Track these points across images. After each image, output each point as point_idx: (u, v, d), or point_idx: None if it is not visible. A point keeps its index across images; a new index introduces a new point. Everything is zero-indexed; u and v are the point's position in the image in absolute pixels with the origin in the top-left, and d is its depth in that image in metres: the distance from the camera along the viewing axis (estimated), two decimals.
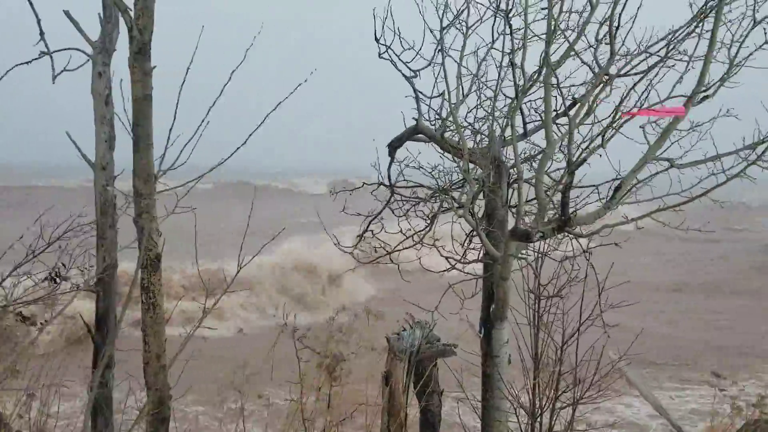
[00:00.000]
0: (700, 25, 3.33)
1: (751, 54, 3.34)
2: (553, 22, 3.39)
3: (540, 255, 3.89)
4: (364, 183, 4.49)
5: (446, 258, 4.19)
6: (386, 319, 5.06)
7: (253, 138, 3.46)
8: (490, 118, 4.18)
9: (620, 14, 3.50)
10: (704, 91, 3.37)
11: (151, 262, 3.18)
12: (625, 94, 3.54)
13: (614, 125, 3.53)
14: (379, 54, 4.21)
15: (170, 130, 3.25)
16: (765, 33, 3.20)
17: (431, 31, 4.13)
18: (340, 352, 3.96)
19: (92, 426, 3.99)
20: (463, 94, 4.41)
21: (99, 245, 4.01)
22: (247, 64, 3.41)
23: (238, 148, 3.44)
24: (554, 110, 4.02)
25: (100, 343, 3.99)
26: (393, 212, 4.58)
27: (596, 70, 3.64)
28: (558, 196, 3.61)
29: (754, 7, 3.26)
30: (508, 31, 3.86)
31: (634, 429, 8.29)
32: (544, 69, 3.66)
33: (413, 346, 3.69)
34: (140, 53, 3.16)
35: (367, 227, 4.49)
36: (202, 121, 3.29)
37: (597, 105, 3.94)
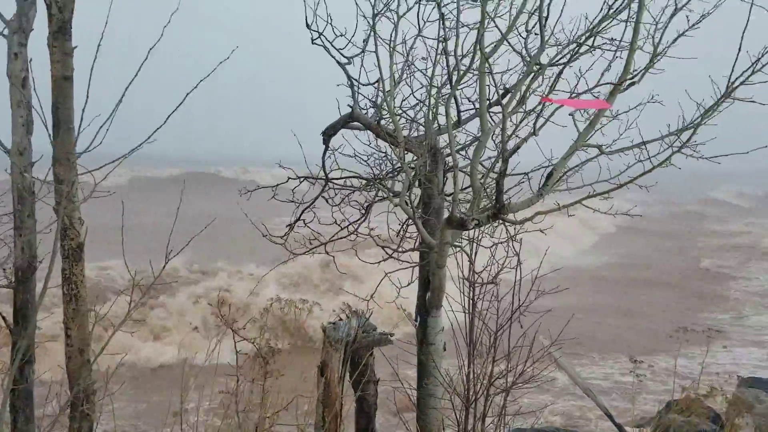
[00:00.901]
0: (626, 12, 3.39)
1: (674, 40, 3.43)
2: (485, 10, 3.41)
3: (473, 242, 3.92)
4: (293, 177, 4.39)
5: (382, 247, 4.17)
6: (325, 310, 5.01)
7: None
8: (424, 106, 4.17)
9: (549, 4, 3.56)
10: (630, 78, 3.45)
11: (73, 252, 3.03)
12: (550, 82, 3.60)
13: (543, 113, 3.58)
14: (312, 40, 4.15)
15: (83, 110, 3.09)
16: (687, 19, 3.29)
17: (364, 17, 4.09)
18: (276, 343, 3.90)
19: (12, 423, 3.78)
20: (395, 82, 4.40)
21: (17, 235, 3.79)
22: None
23: (155, 131, 3.30)
24: (488, 99, 4.06)
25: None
26: (327, 201, 4.52)
27: (527, 59, 3.69)
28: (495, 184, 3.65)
29: None
30: (439, 19, 3.86)
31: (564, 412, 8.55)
32: (478, 57, 3.69)
33: (349, 336, 3.66)
34: (60, 32, 3.00)
35: (299, 217, 4.42)
36: (119, 102, 3.14)
37: (530, 94, 4.00)
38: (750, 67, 3.22)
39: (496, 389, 3.62)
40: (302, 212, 4.52)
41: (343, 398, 3.62)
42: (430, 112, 4.27)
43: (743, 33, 3.08)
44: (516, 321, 3.66)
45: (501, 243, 3.91)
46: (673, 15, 3.42)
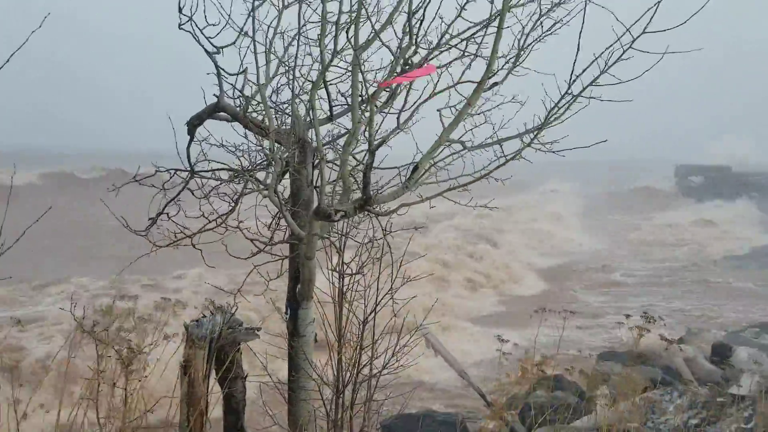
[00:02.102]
0: (494, 18, 3.52)
1: (534, 41, 3.60)
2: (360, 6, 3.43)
3: (343, 234, 3.95)
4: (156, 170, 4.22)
5: (251, 240, 4.11)
6: (190, 307, 4.88)
7: None
8: (294, 98, 4.14)
9: (426, 6, 3.63)
10: (492, 77, 3.59)
11: None
12: (412, 81, 3.68)
13: (407, 108, 3.66)
14: (179, 25, 3.99)
15: None
16: (542, 26, 3.47)
17: (244, 1, 3.99)
18: (137, 344, 3.74)
19: None
20: (268, 74, 4.34)
21: None
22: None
23: None
24: (361, 95, 4.08)
25: None
26: (193, 194, 4.38)
27: (397, 56, 3.75)
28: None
29: None
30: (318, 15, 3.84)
31: (437, 392, 8.86)
32: (352, 52, 3.71)
33: (214, 333, 3.58)
34: None
35: (163, 210, 4.26)
36: None
37: (400, 91, 4.08)
38: (589, 65, 3.43)
39: (364, 376, 3.68)
40: (166, 205, 4.36)
41: (209, 396, 3.54)
42: (303, 105, 4.25)
43: (579, 34, 3.28)
44: (383, 309, 3.73)
45: (375, 237, 3.96)
46: (537, 21, 3.59)
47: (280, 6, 4.04)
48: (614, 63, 3.26)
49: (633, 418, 6.42)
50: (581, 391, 8.72)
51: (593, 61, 3.29)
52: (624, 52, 3.29)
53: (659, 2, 3.17)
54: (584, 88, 3.30)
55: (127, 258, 4.31)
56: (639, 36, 3.23)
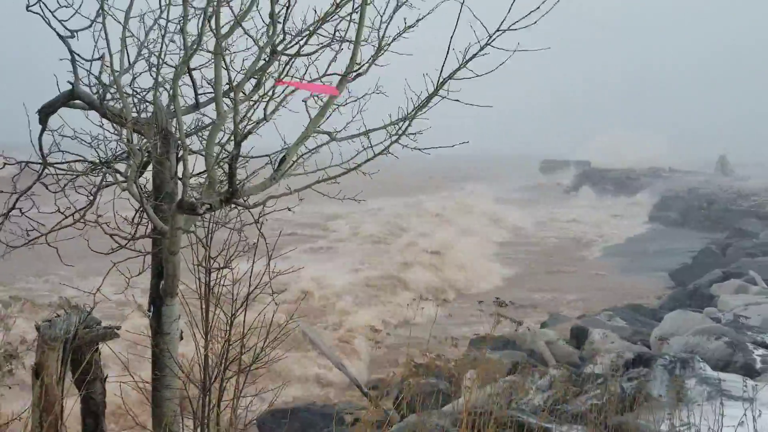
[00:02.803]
0: (351, 5, 3.55)
1: (396, 36, 3.67)
2: None
3: (211, 227, 3.85)
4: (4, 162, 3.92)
5: (111, 236, 3.91)
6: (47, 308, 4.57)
7: None
8: (156, 86, 3.99)
9: None
10: (357, 70, 3.63)
11: None
12: (282, 69, 3.66)
13: (275, 98, 3.63)
14: (27, 7, 3.71)
15: None
16: (404, 20, 3.55)
17: None
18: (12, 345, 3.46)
19: None
20: (129, 60, 4.15)
21: None
22: None
23: None
24: (227, 83, 4.00)
25: None
26: (47, 188, 4.10)
27: (260, 45, 3.70)
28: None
29: None
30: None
31: (309, 383, 8.87)
32: (214, 40, 3.62)
33: (68, 333, 3.37)
34: None
35: (13, 206, 3.96)
36: None
37: (266, 79, 4.02)
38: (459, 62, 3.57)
39: (233, 372, 3.62)
40: (16, 200, 4.05)
41: (64, 400, 3.34)
42: (163, 92, 4.10)
43: (452, 34, 3.40)
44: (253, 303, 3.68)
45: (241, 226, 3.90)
46: (395, 11, 3.66)
47: None
48: (471, 59, 3.41)
49: (497, 400, 6.76)
50: (452, 377, 9.07)
51: (462, 65, 3.43)
52: (481, 48, 3.44)
53: (513, 2, 3.36)
54: (444, 81, 3.43)
55: None
56: (495, 33, 3.39)
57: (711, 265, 18.82)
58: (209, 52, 3.60)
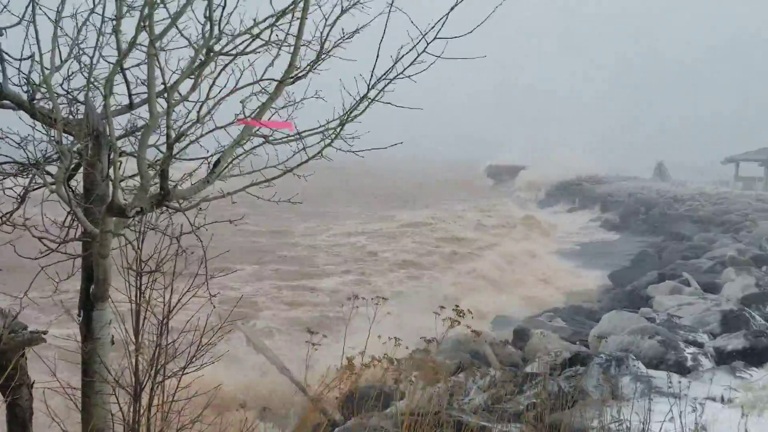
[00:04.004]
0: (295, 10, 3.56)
1: (338, 42, 3.70)
2: None
3: (143, 230, 3.80)
4: None
5: (40, 239, 3.81)
6: None
7: None
8: (88, 86, 3.91)
9: None
10: (296, 74, 3.63)
11: None
12: (217, 72, 3.64)
13: (208, 100, 3.61)
14: None
15: None
16: (342, 30, 3.58)
17: None
18: None
19: None
20: (61, 58, 4.06)
21: None
22: None
23: None
24: (163, 84, 3.95)
25: None
26: None
27: (195, 47, 3.67)
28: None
29: None
30: None
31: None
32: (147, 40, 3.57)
33: None
34: None
35: None
36: None
37: (201, 81, 3.98)
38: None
39: (163, 377, 3.57)
40: None
41: None
42: (96, 92, 4.02)
43: (382, 37, 3.45)
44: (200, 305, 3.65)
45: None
46: (338, 18, 3.68)
47: None
48: (409, 65, 3.47)
49: (439, 401, 6.85)
50: (397, 378, 9.13)
51: (391, 67, 3.49)
52: (418, 55, 3.50)
53: (449, 12, 3.43)
54: (376, 83, 3.48)
55: None
56: (432, 41, 3.46)
57: (648, 268, 19.47)
58: (143, 52, 3.56)
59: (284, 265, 21.83)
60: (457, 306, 6.86)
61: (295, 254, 24.15)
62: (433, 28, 3.45)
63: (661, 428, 5.40)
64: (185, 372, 3.66)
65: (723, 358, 9.55)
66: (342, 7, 3.68)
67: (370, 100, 3.58)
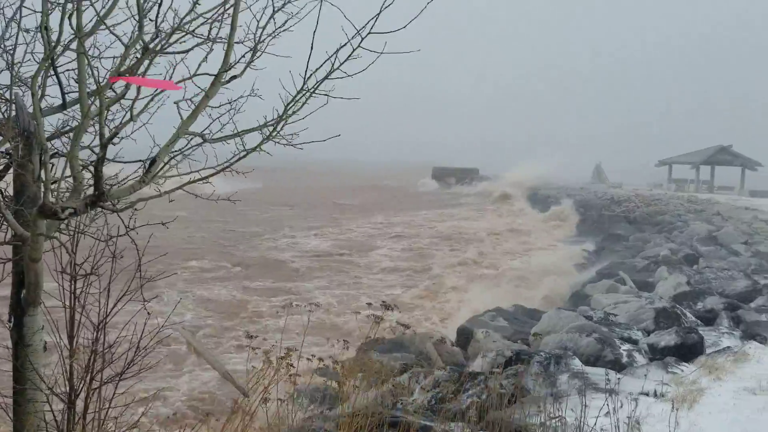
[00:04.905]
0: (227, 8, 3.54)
1: (269, 38, 3.69)
2: None
3: (77, 233, 3.69)
4: None
5: None
6: None
7: None
8: (12, 84, 3.79)
9: None
10: (230, 70, 3.61)
11: None
12: (146, 70, 3.58)
13: (141, 98, 3.55)
14: None
15: None
16: (274, 22, 3.57)
17: None
18: None
19: None
20: None
21: None
22: None
23: None
24: (97, 81, 3.85)
25: None
26: None
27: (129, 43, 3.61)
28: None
29: None
30: None
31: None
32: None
33: None
34: None
35: None
36: None
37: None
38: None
39: (99, 383, 3.48)
40: None
41: None
42: (27, 92, 3.90)
43: (314, 32, 3.47)
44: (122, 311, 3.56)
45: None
46: (271, 16, 3.67)
47: None
48: (345, 61, 3.49)
49: (383, 401, 6.88)
50: (340, 380, 9.11)
51: (326, 60, 3.51)
52: (354, 50, 3.52)
53: (382, 9, 3.47)
54: (310, 76, 3.50)
55: None
56: (366, 36, 3.49)
57: (586, 267, 20.05)
58: (72, 50, 3.47)
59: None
60: (384, 301, 6.86)
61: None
62: (365, 26, 3.49)
63: (595, 423, 5.56)
64: (122, 378, 3.58)
65: (656, 354, 9.91)
66: (274, 7, 3.67)
67: (306, 92, 3.59)
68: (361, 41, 3.44)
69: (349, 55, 3.46)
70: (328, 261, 24.38)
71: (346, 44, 3.45)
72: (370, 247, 28.29)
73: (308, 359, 5.97)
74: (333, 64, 3.54)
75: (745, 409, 7.07)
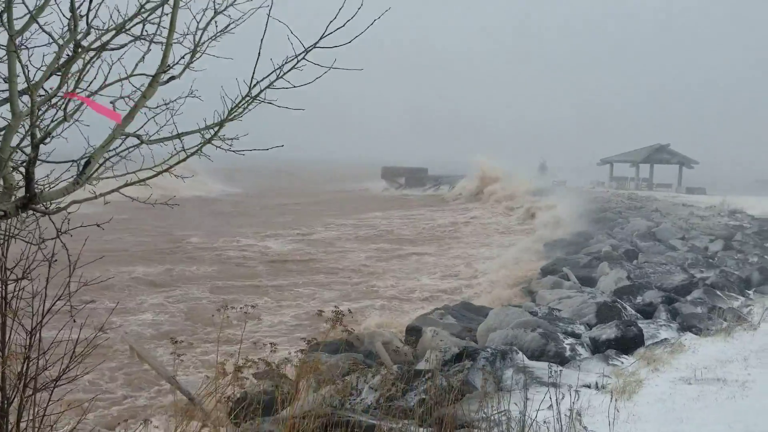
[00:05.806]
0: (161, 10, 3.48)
1: (209, 40, 3.64)
2: None
3: (8, 236, 3.57)
4: None
5: None
6: None
7: None
8: None
9: None
10: (169, 71, 3.55)
11: None
12: (82, 69, 3.49)
13: (75, 100, 3.46)
14: None
15: None
16: (216, 25, 3.54)
17: None
18: None
19: None
20: None
21: None
22: None
23: None
24: (26, 81, 3.73)
25: None
26: None
27: (63, 42, 3.51)
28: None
29: None
30: None
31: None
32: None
33: None
34: None
35: None
36: None
37: (69, 78, 3.80)
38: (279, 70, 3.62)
39: (32, 390, 3.37)
40: None
41: None
42: None
43: (262, 40, 3.44)
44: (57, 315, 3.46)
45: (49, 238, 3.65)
46: (212, 18, 3.62)
47: None
48: (289, 71, 3.48)
49: (330, 401, 6.87)
50: (291, 382, 9.06)
51: (274, 70, 3.50)
52: (298, 61, 3.52)
53: (332, 21, 3.47)
54: (256, 84, 3.48)
55: None
56: (311, 48, 3.49)
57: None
58: (2, 48, 3.35)
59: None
60: (336, 307, 7.00)
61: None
62: (310, 46, 3.50)
63: (536, 415, 5.69)
64: (57, 385, 3.48)
65: (598, 347, 10.18)
66: (215, 9, 3.64)
67: (250, 99, 3.57)
68: (305, 54, 3.44)
69: (293, 67, 3.46)
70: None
71: (292, 59, 3.45)
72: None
73: (254, 362, 5.92)
74: (278, 75, 3.53)
75: (680, 398, 7.35)
